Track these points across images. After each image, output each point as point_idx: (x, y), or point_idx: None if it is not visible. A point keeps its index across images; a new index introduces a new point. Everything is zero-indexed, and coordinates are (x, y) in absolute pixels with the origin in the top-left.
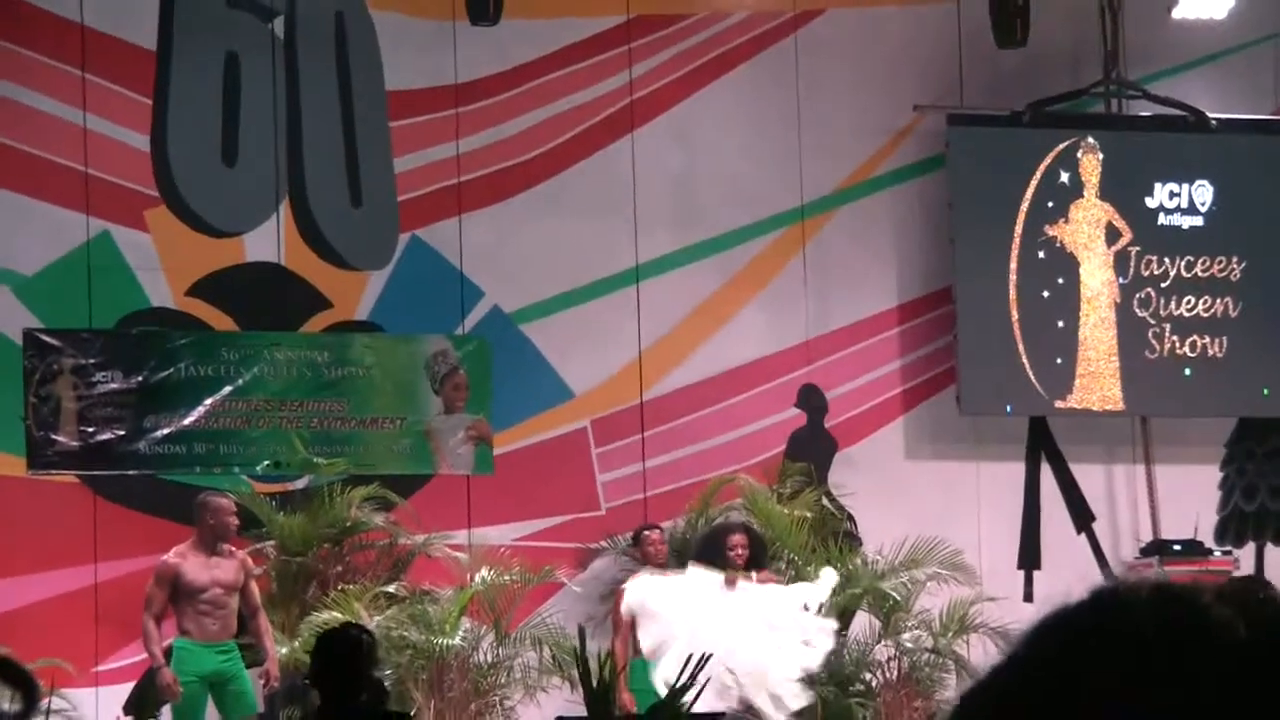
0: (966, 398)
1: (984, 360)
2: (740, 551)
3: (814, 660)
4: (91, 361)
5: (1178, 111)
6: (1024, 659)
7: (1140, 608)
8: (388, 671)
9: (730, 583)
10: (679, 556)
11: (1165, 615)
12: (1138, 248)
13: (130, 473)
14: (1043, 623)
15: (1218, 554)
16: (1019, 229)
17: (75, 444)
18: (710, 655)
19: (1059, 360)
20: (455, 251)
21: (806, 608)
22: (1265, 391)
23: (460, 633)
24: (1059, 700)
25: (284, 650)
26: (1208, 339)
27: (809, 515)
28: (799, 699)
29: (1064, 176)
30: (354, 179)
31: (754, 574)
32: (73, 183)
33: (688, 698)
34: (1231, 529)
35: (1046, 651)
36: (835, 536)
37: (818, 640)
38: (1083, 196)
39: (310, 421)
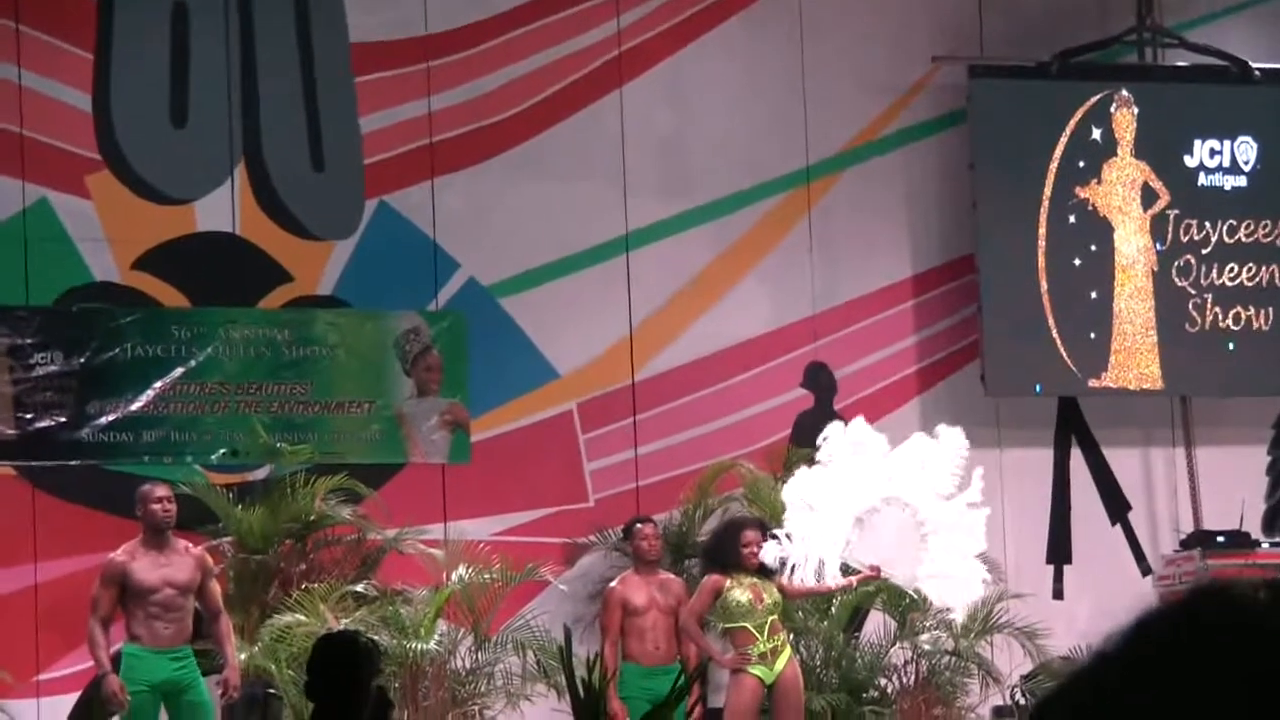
0: (991, 376)
1: (1010, 335)
2: (756, 549)
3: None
4: (29, 341)
5: (1218, 61)
6: (1130, 655)
7: (1260, 602)
8: None
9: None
10: (675, 551)
11: None
12: (1176, 211)
13: (72, 463)
14: (1141, 622)
15: (1265, 545)
16: (1047, 191)
17: (11, 432)
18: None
19: (1092, 335)
20: (427, 219)
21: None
22: None
23: (436, 636)
24: (1186, 697)
25: (243, 656)
26: (1253, 310)
27: None
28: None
29: (1095, 133)
30: (315, 140)
31: (767, 580)
32: (7, 146)
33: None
34: None
35: (1152, 648)
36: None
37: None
38: (1116, 155)
39: (270, 406)
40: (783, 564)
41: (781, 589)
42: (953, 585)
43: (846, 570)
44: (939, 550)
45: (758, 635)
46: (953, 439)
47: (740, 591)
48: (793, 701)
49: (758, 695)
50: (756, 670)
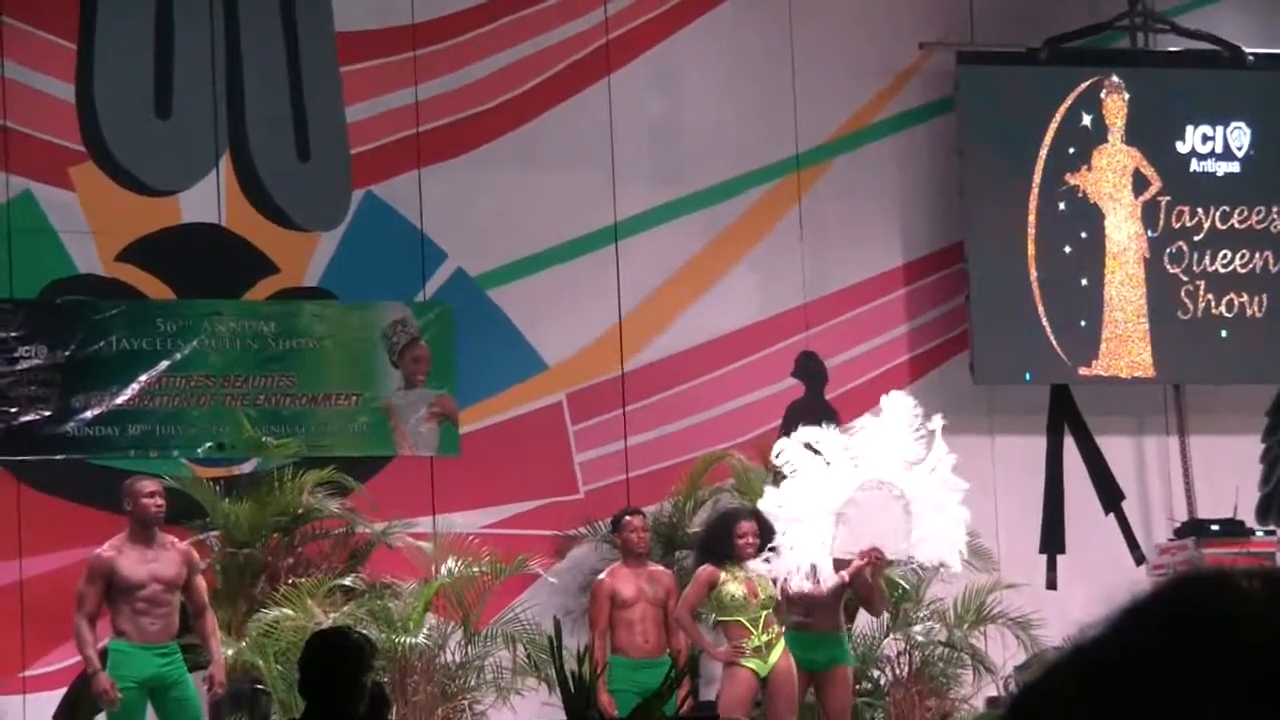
0: (981, 365)
1: (1000, 323)
2: (751, 540)
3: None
4: (12, 335)
5: (1211, 46)
6: (1114, 644)
7: (1251, 590)
8: None
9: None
10: (665, 543)
11: None
12: (1168, 197)
13: (57, 457)
14: (1126, 611)
15: (1260, 534)
16: (1037, 178)
17: None
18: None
19: (1083, 322)
20: (414, 209)
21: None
22: None
23: (425, 630)
24: (1171, 687)
25: (230, 651)
26: (1246, 297)
27: None
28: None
29: (1086, 119)
30: (301, 130)
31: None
32: None
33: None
34: (1275, 506)
35: (1147, 635)
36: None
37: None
38: (1107, 141)
39: (256, 399)
40: (774, 582)
41: (789, 596)
42: (941, 542)
43: (841, 565)
44: (923, 515)
45: (751, 629)
46: (898, 404)
47: (734, 585)
48: (787, 694)
49: (752, 688)
50: (751, 663)
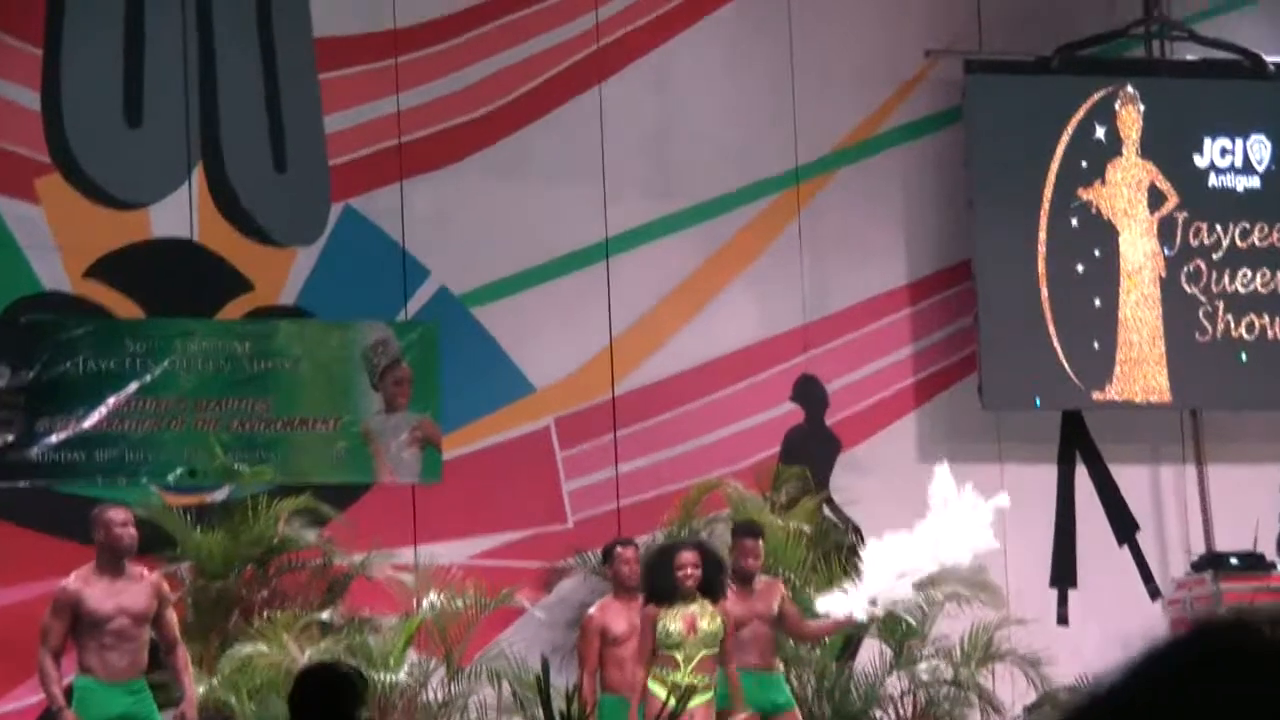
0: (989, 389)
1: (1009, 346)
2: (692, 572)
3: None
4: None
5: (1230, 55)
6: (1138, 689)
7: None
8: None
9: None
10: None
11: None
12: (1185, 213)
13: (21, 484)
14: (1147, 658)
15: None
16: (1048, 193)
17: None
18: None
19: (1096, 345)
20: (396, 224)
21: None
22: None
23: (406, 667)
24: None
25: (202, 688)
26: (1267, 318)
27: (807, 528)
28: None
29: (1099, 132)
30: (278, 141)
31: (708, 605)
32: None
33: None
34: None
35: (1172, 680)
36: (838, 551)
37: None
38: (1121, 155)
39: (229, 423)
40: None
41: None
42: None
43: None
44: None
45: (681, 665)
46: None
47: (672, 621)
48: None
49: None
50: (663, 694)
